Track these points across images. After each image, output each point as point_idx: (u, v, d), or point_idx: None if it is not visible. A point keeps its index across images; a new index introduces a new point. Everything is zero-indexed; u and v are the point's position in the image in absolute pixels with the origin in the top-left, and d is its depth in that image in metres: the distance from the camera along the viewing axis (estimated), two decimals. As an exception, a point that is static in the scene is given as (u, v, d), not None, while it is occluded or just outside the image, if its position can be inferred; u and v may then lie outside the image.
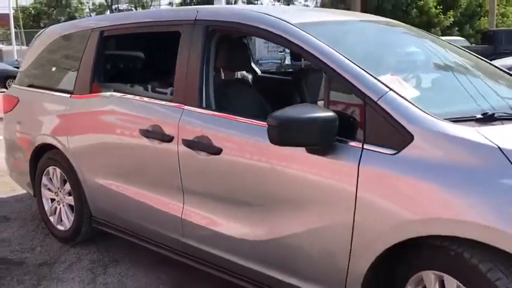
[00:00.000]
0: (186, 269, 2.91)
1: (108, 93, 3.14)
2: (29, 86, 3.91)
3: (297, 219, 2.18)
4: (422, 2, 28.70)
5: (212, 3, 17.68)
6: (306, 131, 1.96)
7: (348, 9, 21.27)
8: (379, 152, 1.92)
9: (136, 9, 63.16)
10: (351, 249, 1.99)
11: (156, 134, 2.71)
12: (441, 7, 28.55)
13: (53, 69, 3.76)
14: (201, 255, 2.66)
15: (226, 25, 2.64)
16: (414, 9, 28.61)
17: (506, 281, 1.63)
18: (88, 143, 3.25)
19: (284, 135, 1.97)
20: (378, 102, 1.95)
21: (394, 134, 1.90)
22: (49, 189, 3.72)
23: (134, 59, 3.66)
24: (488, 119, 1.96)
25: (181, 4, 57.51)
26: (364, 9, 19.60)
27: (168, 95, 2.84)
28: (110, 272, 3.17)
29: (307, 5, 44.21)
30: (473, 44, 21.61)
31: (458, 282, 1.75)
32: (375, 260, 1.93)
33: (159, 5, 57.93)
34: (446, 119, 1.89)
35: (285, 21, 2.37)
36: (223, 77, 3.09)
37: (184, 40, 2.71)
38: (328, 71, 2.14)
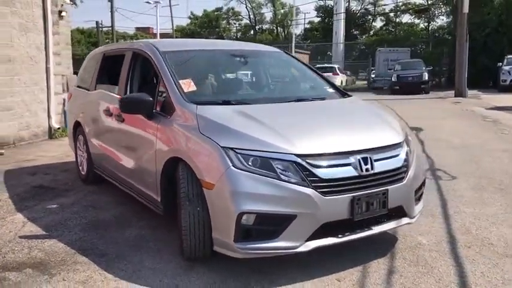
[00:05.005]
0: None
1: (99, 90, 5.34)
2: (77, 86, 6.31)
3: (142, 155, 4.08)
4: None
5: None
6: (136, 106, 3.87)
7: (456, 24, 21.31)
8: (164, 117, 3.76)
9: (277, 29, 67.39)
10: (155, 164, 3.82)
11: (107, 112, 4.81)
12: None
13: (86, 75, 6.09)
14: (122, 181, 4.67)
15: (138, 51, 4.63)
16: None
17: (186, 174, 3.35)
18: (90, 119, 5.49)
19: (125, 107, 3.92)
20: (169, 93, 3.79)
21: (170, 108, 3.73)
22: (80, 150, 6.03)
23: (114, 69, 5.74)
24: (225, 102, 3.70)
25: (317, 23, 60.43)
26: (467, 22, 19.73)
27: (117, 90, 4.89)
28: (95, 195, 5.36)
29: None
30: None
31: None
32: (164, 168, 3.70)
33: (304, 24, 61.03)
34: (194, 102, 3.65)
35: (157, 49, 4.29)
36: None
37: (125, 59, 4.78)
38: (159, 77, 4.03)
